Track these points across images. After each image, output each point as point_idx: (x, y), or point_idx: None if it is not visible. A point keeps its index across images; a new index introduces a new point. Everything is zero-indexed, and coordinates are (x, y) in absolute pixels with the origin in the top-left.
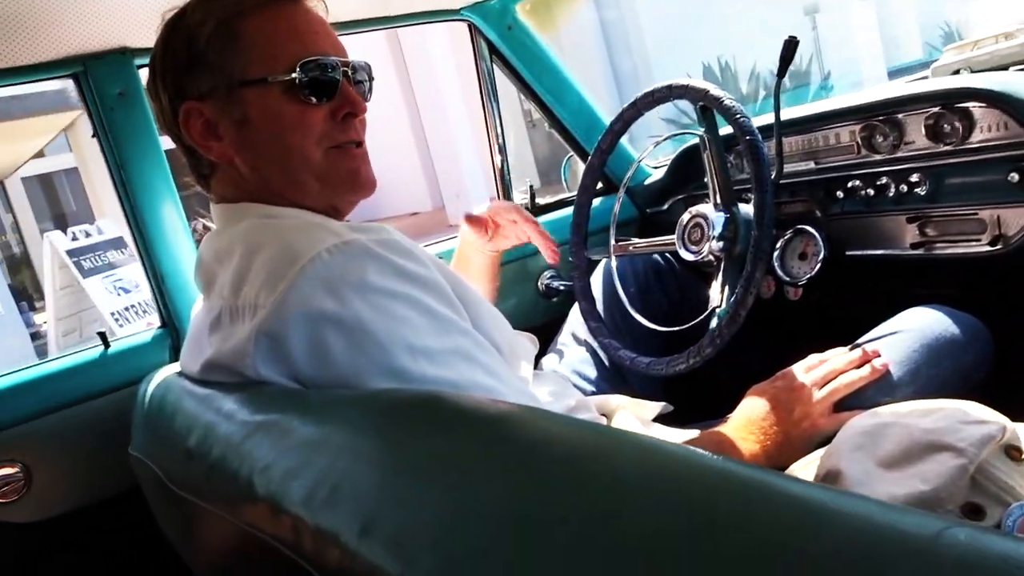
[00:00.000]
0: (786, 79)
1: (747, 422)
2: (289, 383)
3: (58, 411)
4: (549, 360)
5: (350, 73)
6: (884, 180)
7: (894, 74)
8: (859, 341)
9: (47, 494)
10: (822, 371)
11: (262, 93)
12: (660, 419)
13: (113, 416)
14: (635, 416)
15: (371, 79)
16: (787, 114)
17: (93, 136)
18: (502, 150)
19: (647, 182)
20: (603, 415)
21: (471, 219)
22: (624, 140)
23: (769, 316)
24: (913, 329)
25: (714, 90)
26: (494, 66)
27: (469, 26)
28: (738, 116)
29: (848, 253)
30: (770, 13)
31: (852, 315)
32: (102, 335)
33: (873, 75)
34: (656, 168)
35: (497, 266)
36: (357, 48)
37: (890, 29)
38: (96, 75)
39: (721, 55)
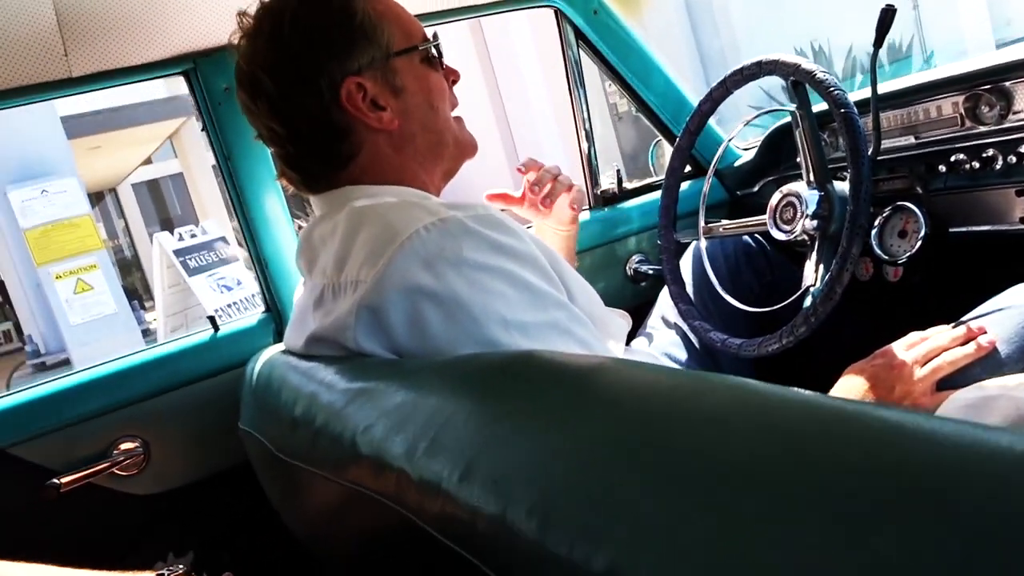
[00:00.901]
0: (884, 58)
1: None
2: (388, 354)
3: (174, 390)
4: (639, 343)
5: (439, 46)
6: (991, 152)
7: (1004, 48)
8: (963, 319)
9: (164, 468)
10: (924, 348)
11: (410, 62)
12: None
13: (223, 394)
14: None
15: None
16: (884, 88)
17: (203, 130)
18: (589, 136)
19: (737, 164)
20: None
21: (493, 197)
22: (712, 122)
23: (867, 297)
24: (1021, 305)
25: (805, 64)
26: (580, 52)
27: (555, 12)
28: (832, 89)
29: (952, 230)
30: None
31: (956, 295)
32: (211, 319)
33: (981, 51)
34: (746, 150)
35: (571, 247)
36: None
37: (999, 4)
38: (205, 72)
39: (814, 38)
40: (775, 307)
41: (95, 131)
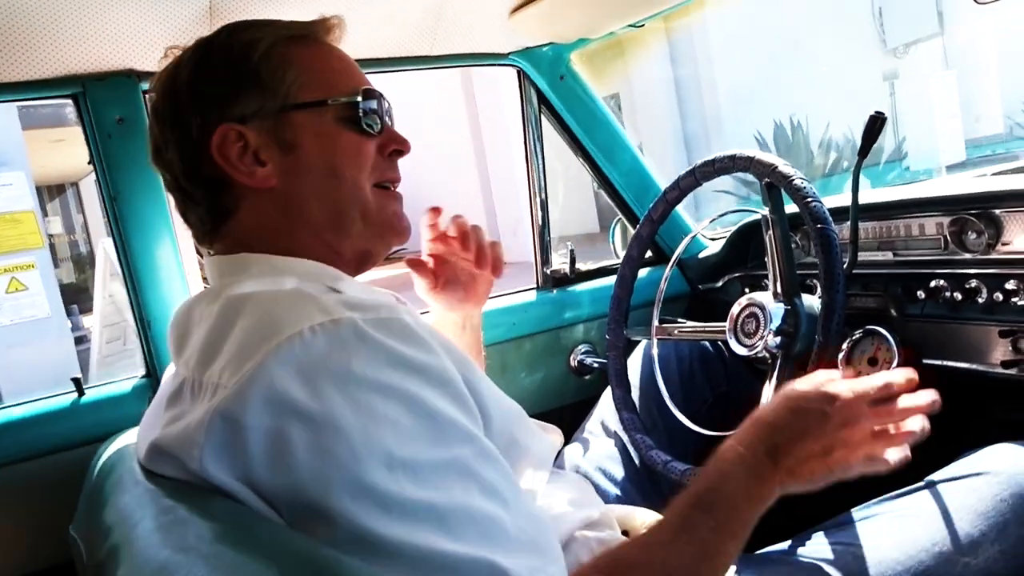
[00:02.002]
0: (857, 143)
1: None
2: (237, 486)
3: (15, 464)
4: (573, 451)
5: (386, 107)
6: (974, 283)
7: (972, 147)
8: (935, 477)
9: None
10: (881, 398)
11: (317, 117)
12: None
13: (75, 474)
14: None
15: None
16: (866, 197)
17: (88, 163)
18: (543, 206)
19: (702, 255)
20: (624, 532)
21: (413, 263)
22: (680, 207)
23: None
24: (1002, 472)
25: (783, 166)
26: (542, 116)
27: (518, 72)
28: (809, 200)
29: (926, 361)
30: (847, 76)
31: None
32: (76, 381)
33: (951, 147)
34: (713, 239)
35: (476, 334)
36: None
37: (971, 101)
38: (95, 97)
39: (794, 114)
40: (727, 432)
41: (59, 124)
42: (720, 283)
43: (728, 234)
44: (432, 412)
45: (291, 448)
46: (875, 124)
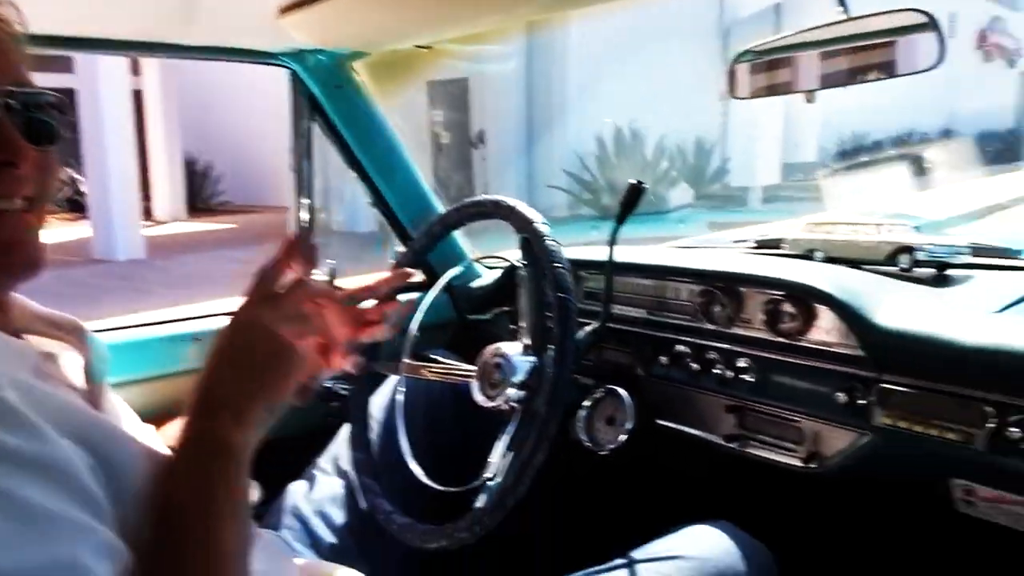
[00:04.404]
0: (690, 154)
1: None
2: None
3: None
4: (296, 488)
5: (15, 106)
6: (712, 355)
7: (788, 168)
8: (636, 555)
9: None
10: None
11: None
12: None
13: None
14: None
15: (61, 113)
16: (632, 256)
17: None
18: (311, 215)
19: (475, 283)
20: None
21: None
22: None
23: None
24: (696, 558)
25: (540, 225)
26: (314, 125)
27: (290, 74)
28: (556, 263)
29: (659, 422)
30: (688, 90)
31: (649, 495)
32: None
33: (769, 168)
34: (492, 268)
35: None
36: None
37: (793, 128)
38: None
39: (634, 120)
40: (458, 489)
41: None
42: (489, 315)
43: (504, 266)
44: (23, 507)
45: None
46: (634, 193)
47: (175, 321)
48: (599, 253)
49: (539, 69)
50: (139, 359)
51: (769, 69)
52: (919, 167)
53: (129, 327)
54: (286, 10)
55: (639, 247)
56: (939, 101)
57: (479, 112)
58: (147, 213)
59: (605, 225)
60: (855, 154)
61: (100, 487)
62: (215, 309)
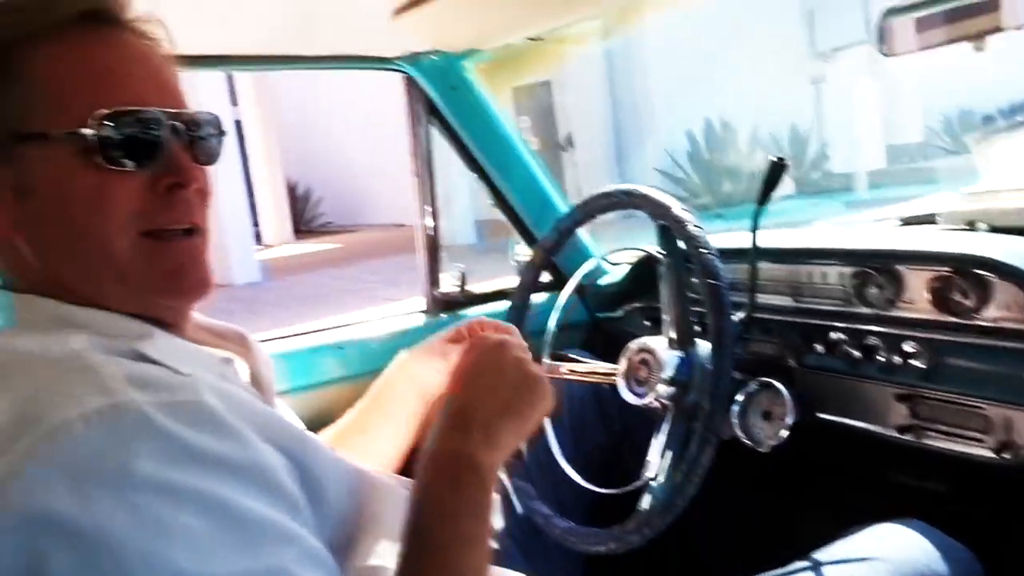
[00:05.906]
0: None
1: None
2: None
3: None
4: None
5: (181, 129)
6: (873, 341)
7: (892, 151)
8: (820, 558)
9: None
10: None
11: (46, 153)
12: None
13: None
14: None
15: (220, 134)
16: (771, 240)
17: None
18: (435, 222)
19: (603, 281)
20: None
21: (455, 338)
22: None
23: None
24: (887, 560)
25: (677, 209)
26: (431, 128)
27: (405, 79)
28: (702, 251)
29: (821, 416)
30: (777, 78)
31: (820, 493)
32: None
33: (872, 152)
34: (617, 265)
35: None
36: None
37: (893, 107)
38: None
39: (724, 112)
40: (615, 491)
41: None
42: (620, 313)
43: (634, 260)
44: (236, 513)
45: (48, 572)
46: (775, 170)
47: (318, 331)
48: (731, 240)
49: (621, 67)
50: (287, 370)
51: (927, 22)
52: None
53: (273, 339)
54: (401, 11)
55: (774, 231)
56: None
57: (564, 115)
58: (257, 238)
59: (704, 221)
60: (1011, 115)
61: (301, 494)
62: (356, 319)
